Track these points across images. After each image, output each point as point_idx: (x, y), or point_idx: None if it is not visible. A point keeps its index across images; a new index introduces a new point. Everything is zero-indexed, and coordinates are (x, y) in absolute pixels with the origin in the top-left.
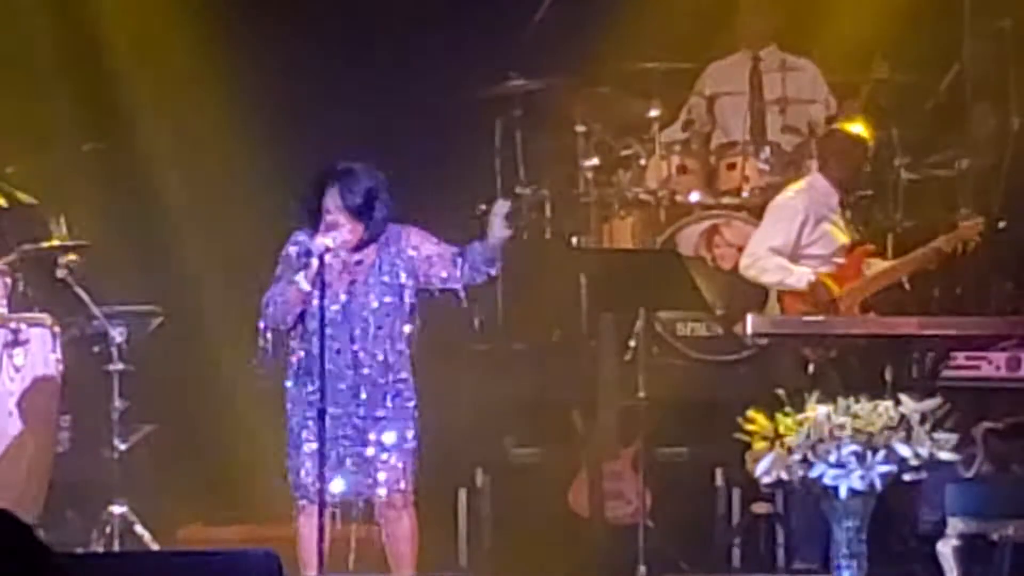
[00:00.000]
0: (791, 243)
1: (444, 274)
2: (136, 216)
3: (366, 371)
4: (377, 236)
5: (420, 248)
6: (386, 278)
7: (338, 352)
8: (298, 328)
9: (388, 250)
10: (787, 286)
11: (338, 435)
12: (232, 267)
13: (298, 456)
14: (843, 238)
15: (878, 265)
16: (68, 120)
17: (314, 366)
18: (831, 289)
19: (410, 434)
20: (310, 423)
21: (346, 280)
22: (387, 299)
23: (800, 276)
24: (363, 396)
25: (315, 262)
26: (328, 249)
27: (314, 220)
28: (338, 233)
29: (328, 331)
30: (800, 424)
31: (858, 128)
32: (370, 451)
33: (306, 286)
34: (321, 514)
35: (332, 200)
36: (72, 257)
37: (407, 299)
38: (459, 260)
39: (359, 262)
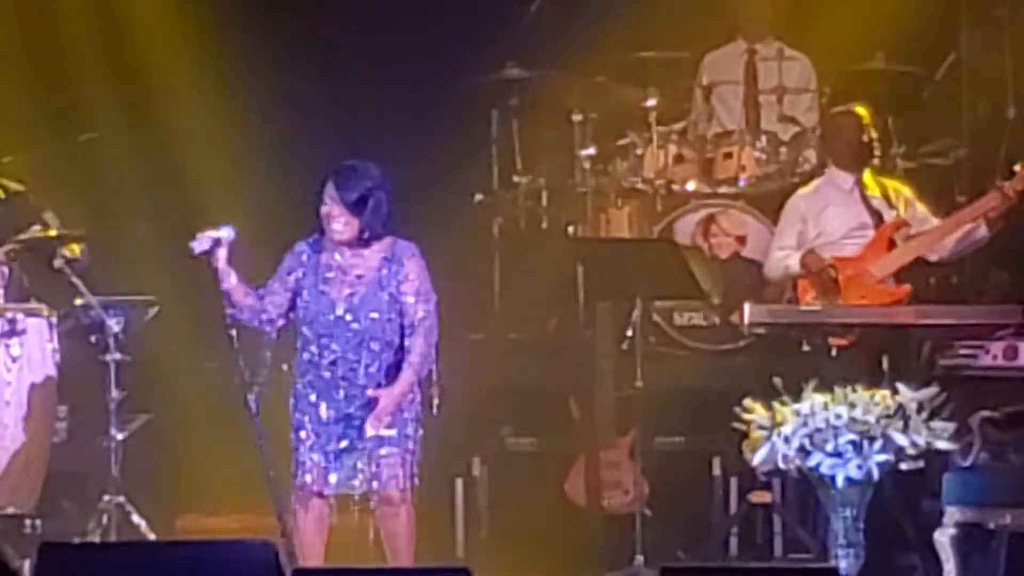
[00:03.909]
0: (795, 238)
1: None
2: (133, 206)
3: (362, 381)
4: (377, 236)
5: (406, 283)
6: (385, 295)
7: (333, 363)
8: (300, 331)
9: (391, 266)
10: (791, 274)
11: (337, 431)
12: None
13: (298, 450)
14: (859, 217)
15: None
16: (64, 110)
17: (313, 369)
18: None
19: (410, 431)
20: (309, 419)
21: (346, 293)
22: (385, 314)
23: (794, 260)
24: (361, 400)
25: (221, 252)
26: (218, 241)
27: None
28: (332, 225)
29: (325, 341)
30: (797, 413)
31: (845, 108)
32: (369, 447)
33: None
34: (319, 505)
35: (328, 192)
36: (75, 248)
37: (405, 314)
38: (409, 330)
39: (360, 276)
